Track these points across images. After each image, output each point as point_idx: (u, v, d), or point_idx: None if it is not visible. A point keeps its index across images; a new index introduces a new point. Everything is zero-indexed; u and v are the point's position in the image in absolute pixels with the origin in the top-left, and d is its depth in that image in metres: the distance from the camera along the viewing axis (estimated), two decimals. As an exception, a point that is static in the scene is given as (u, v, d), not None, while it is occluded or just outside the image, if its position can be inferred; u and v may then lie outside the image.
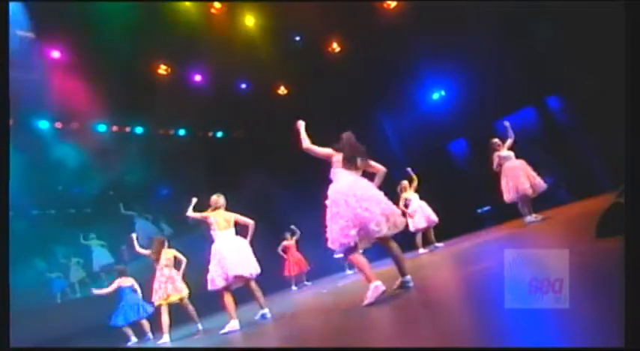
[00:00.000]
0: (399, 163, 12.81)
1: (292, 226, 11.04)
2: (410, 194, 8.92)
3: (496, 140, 7.45)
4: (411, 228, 8.65)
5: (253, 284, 5.09)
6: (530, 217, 6.95)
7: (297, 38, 11.00)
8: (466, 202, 11.43)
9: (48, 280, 9.95)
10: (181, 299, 6.57)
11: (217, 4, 9.68)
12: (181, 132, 12.07)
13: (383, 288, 3.33)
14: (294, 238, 11.11)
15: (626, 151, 1.55)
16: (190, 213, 5.35)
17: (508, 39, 10.06)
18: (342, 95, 11.81)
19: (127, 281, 7.81)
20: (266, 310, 5.08)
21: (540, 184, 7.06)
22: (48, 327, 8.53)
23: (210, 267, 5.02)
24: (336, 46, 11.53)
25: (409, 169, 9.10)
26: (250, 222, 5.29)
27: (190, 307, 6.63)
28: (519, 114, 11.38)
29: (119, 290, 7.72)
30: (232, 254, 4.98)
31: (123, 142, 10.41)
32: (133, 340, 7.83)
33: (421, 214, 8.75)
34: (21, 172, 8.65)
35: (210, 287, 4.99)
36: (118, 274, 7.95)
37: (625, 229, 1.59)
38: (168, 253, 6.75)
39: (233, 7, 9.88)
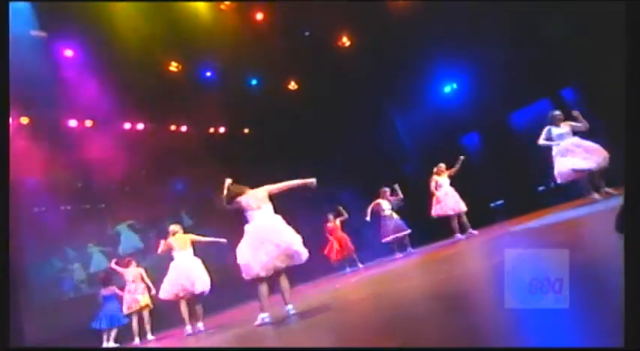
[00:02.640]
0: (411, 158, 12.79)
1: (339, 207, 10.54)
2: (442, 178, 8.85)
3: (558, 113, 7.02)
4: (433, 213, 8.74)
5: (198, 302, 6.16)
6: (596, 195, 6.52)
7: (307, 33, 10.97)
8: (479, 197, 11.33)
9: (59, 278, 10.18)
10: (142, 308, 7.97)
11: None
12: (194, 128, 12.17)
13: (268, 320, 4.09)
14: (338, 219, 10.55)
15: (625, 151, 1.53)
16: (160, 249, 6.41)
17: (521, 30, 9.90)
18: (353, 90, 11.76)
19: (107, 290, 8.26)
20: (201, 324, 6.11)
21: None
22: (54, 324, 8.76)
23: (168, 279, 6.11)
24: (345, 41, 11.47)
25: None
26: (204, 239, 6.47)
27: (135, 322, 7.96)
28: (533, 106, 11.22)
29: (101, 297, 8.24)
30: (189, 271, 6.06)
31: (135, 139, 10.55)
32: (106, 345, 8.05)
33: (447, 201, 8.68)
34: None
35: (165, 296, 6.14)
36: (101, 283, 8.39)
37: (625, 228, 1.57)
38: (134, 271, 8.13)
39: (242, 3, 9.89)
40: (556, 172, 6.92)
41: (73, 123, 9.95)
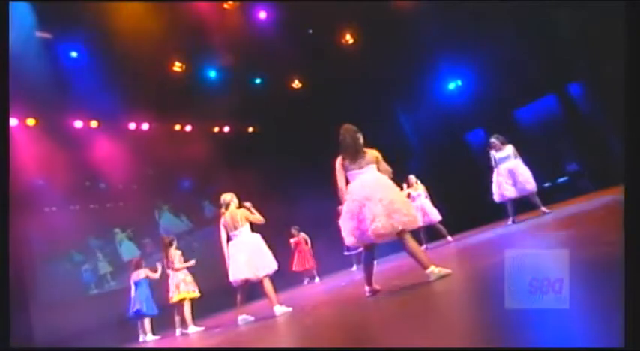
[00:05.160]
0: (416, 155, 12.74)
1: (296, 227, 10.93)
2: (415, 190, 8.86)
3: (494, 140, 7.65)
4: None
5: (266, 282, 5.02)
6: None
7: (310, 31, 10.95)
8: (484, 194, 11.28)
9: (79, 273, 10.22)
10: (183, 299, 6.75)
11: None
12: (198, 128, 12.21)
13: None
14: (301, 234, 10.92)
15: (625, 151, 1.52)
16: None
17: (526, 25, 9.81)
18: (357, 87, 11.74)
19: (140, 273, 7.70)
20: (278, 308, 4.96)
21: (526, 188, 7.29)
22: (73, 320, 8.80)
23: (236, 261, 5.09)
24: (349, 38, 11.44)
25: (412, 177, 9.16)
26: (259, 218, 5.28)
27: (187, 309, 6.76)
28: (539, 102, 11.13)
29: (134, 283, 7.73)
30: (242, 256, 5.03)
31: (141, 139, 10.62)
32: (142, 338, 7.55)
33: (420, 213, 8.66)
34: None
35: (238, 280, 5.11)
36: (134, 267, 7.88)
37: (625, 229, 1.57)
38: (174, 254, 6.97)
39: (246, 2, 9.90)
40: (494, 191, 7.68)
41: (78, 124, 10.04)
